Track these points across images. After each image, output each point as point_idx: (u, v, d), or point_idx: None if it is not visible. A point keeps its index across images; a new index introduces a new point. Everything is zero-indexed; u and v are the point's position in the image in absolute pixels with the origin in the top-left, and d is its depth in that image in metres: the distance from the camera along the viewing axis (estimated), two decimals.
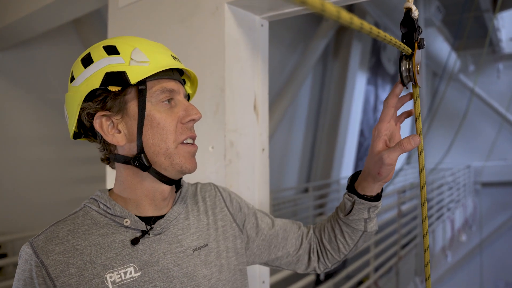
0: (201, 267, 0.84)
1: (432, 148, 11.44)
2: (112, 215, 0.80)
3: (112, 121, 0.79)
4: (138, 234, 0.80)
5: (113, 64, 0.77)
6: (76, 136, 0.85)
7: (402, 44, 0.78)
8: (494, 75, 11.28)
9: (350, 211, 0.96)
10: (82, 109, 0.79)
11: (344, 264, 4.35)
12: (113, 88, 0.76)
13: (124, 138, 0.80)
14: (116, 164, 0.84)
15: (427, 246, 0.89)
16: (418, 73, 0.81)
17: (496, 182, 11.01)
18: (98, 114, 0.78)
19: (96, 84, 0.76)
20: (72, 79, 0.80)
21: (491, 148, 10.80)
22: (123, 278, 0.75)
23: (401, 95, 0.88)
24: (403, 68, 0.82)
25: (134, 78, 0.76)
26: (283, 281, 2.73)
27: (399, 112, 0.91)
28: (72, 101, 0.80)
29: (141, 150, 0.78)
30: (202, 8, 1.44)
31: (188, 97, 0.91)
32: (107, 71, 0.76)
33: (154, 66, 0.78)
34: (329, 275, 4.06)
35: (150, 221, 0.83)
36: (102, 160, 0.86)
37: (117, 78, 0.76)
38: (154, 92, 0.79)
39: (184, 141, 0.82)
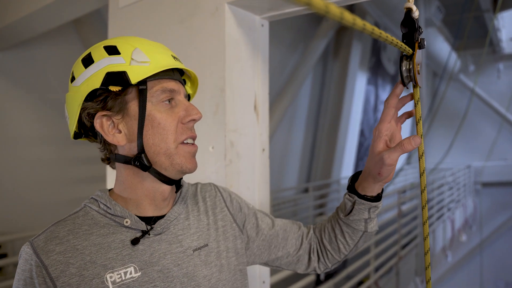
0: (201, 267, 0.84)
1: (432, 148, 11.44)
2: (113, 215, 0.80)
3: (113, 121, 0.79)
4: (138, 234, 0.80)
5: (114, 64, 0.77)
6: (77, 136, 0.85)
7: (402, 44, 0.78)
8: (494, 75, 11.28)
9: (351, 211, 0.96)
10: (83, 109, 0.79)
11: (344, 264, 4.35)
12: (113, 88, 0.76)
13: (125, 138, 0.80)
14: (117, 164, 0.84)
15: (428, 249, 0.88)
16: (419, 73, 0.81)
17: (496, 182, 11.01)
18: (99, 114, 0.78)
19: (97, 84, 0.76)
20: (73, 79, 0.81)
21: (491, 148, 10.81)
22: (123, 278, 0.75)
23: (401, 95, 0.88)
24: (404, 68, 0.82)
25: (134, 78, 0.76)
26: (283, 281, 2.73)
27: (400, 113, 0.91)
28: (72, 101, 0.80)
29: (141, 150, 0.78)
30: (202, 8, 1.44)
31: (188, 97, 0.91)
32: (108, 71, 0.76)
33: (154, 66, 0.78)
34: (329, 275, 4.06)
35: (151, 221, 0.83)
36: (103, 160, 0.86)
37: (117, 78, 0.76)
38: (154, 92, 0.79)
39: (185, 141, 0.82)
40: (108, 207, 0.81)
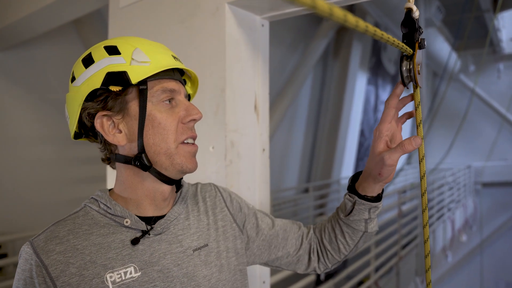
0: (201, 267, 0.84)
1: (433, 148, 11.44)
2: (113, 215, 0.80)
3: (113, 121, 0.79)
4: (139, 234, 0.80)
5: (114, 64, 0.77)
6: (77, 136, 0.85)
7: (403, 44, 0.78)
8: (495, 75, 11.27)
9: (351, 211, 0.96)
10: (83, 109, 0.79)
11: (344, 264, 4.35)
12: (114, 88, 0.76)
13: (125, 138, 0.80)
14: (117, 164, 0.84)
15: (428, 252, 0.88)
16: (419, 73, 0.81)
17: (496, 182, 11.01)
18: (99, 114, 0.78)
19: (97, 84, 0.76)
20: (73, 79, 0.81)
21: (492, 148, 10.80)
22: (123, 278, 0.75)
23: (402, 96, 0.88)
24: (404, 68, 0.82)
25: (135, 78, 0.76)
26: (283, 281, 2.73)
27: (400, 113, 0.91)
28: (73, 101, 0.80)
29: (142, 150, 0.78)
30: (203, 8, 1.44)
31: (188, 97, 0.91)
32: (108, 71, 0.76)
33: (155, 66, 0.78)
34: (329, 275, 4.06)
35: (151, 221, 0.83)
36: (103, 160, 0.86)
37: (118, 78, 0.76)
38: (155, 92, 0.79)
39: (185, 141, 0.82)
40: (108, 207, 0.81)
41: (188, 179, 1.01)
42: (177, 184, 0.87)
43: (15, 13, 2.72)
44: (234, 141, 1.40)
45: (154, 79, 0.79)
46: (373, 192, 0.93)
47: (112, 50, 0.78)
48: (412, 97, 0.87)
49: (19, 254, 0.76)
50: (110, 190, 0.87)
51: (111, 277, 0.74)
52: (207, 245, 0.88)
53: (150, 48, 0.80)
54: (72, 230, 0.77)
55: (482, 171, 11.22)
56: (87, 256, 0.74)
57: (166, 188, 0.84)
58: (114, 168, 0.86)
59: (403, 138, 0.86)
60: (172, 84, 0.81)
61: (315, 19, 6.52)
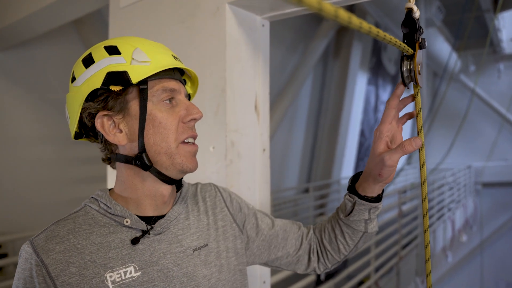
0: (201, 267, 0.84)
1: (433, 149, 11.43)
2: (113, 214, 0.80)
3: (114, 120, 0.79)
4: (139, 234, 0.80)
5: (115, 64, 0.77)
6: (77, 136, 0.85)
7: (403, 44, 0.78)
8: (495, 75, 11.26)
9: (351, 212, 0.96)
10: (84, 109, 0.79)
11: (344, 264, 4.35)
12: (114, 88, 0.76)
13: (126, 137, 0.80)
14: (117, 164, 0.84)
15: (428, 242, 0.89)
16: (419, 73, 0.81)
17: (496, 182, 11.00)
18: (100, 113, 0.78)
19: (98, 84, 0.76)
20: (73, 79, 0.81)
21: (492, 149, 10.79)
22: (123, 278, 0.75)
23: (402, 96, 0.88)
24: (404, 68, 0.82)
25: (135, 77, 0.76)
26: (283, 281, 2.73)
27: (401, 114, 0.91)
28: (73, 101, 0.80)
29: (142, 149, 0.79)
30: (203, 8, 1.44)
31: (188, 97, 0.91)
32: (109, 71, 0.76)
33: (155, 65, 0.78)
34: (329, 275, 4.05)
35: (151, 221, 0.83)
36: (103, 160, 0.86)
37: (118, 77, 0.76)
38: (155, 92, 0.79)
39: (185, 140, 0.82)
40: (108, 206, 0.81)
41: (188, 179, 1.01)
42: (178, 184, 0.87)
43: (15, 13, 2.72)
44: (235, 141, 1.40)
45: (154, 79, 0.79)
46: (373, 192, 0.93)
47: (112, 50, 0.78)
48: (412, 97, 0.87)
49: (19, 253, 0.76)
50: (110, 190, 0.87)
51: (111, 276, 0.74)
52: (207, 245, 0.88)
53: (150, 48, 0.81)
54: (72, 230, 0.77)
55: (482, 171, 11.21)
56: (87, 256, 0.74)
57: (167, 188, 0.84)
58: (114, 168, 0.86)
59: (404, 139, 0.86)
60: (172, 84, 0.81)
61: (316, 19, 6.52)
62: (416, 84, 0.83)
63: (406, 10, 0.80)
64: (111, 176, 1.77)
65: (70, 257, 0.73)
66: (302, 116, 7.16)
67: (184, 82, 0.88)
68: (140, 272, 0.77)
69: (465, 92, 11.16)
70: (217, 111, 1.39)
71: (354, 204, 0.95)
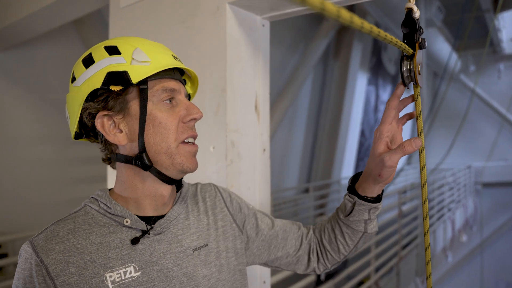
0: (200, 267, 0.84)
1: (433, 149, 11.43)
2: (113, 214, 0.80)
3: (114, 120, 0.79)
4: (138, 234, 0.80)
5: (115, 64, 0.77)
6: (78, 136, 0.85)
7: (403, 44, 0.78)
8: (495, 76, 11.26)
9: (351, 212, 0.96)
10: (84, 109, 0.79)
11: (345, 264, 4.35)
12: (114, 88, 0.76)
13: (126, 137, 0.80)
14: (117, 164, 0.84)
15: (428, 244, 0.89)
16: (419, 74, 0.81)
17: (496, 182, 11.00)
18: (100, 114, 0.78)
19: (98, 84, 0.76)
20: (73, 79, 0.81)
21: (492, 149, 10.79)
22: (123, 278, 0.75)
23: (402, 96, 0.88)
24: (404, 68, 0.82)
25: (135, 77, 0.76)
26: (283, 281, 2.73)
27: (401, 114, 0.91)
28: (73, 101, 0.80)
29: (142, 149, 0.79)
30: (203, 9, 1.44)
31: (188, 97, 0.91)
32: (109, 71, 0.76)
33: (155, 65, 0.78)
34: (330, 276, 4.05)
35: (151, 221, 0.83)
36: (103, 160, 0.87)
37: (118, 77, 0.76)
38: (155, 92, 0.79)
39: (185, 140, 0.82)
40: (108, 206, 0.81)
41: (188, 179, 1.01)
42: (178, 184, 0.87)
43: (15, 13, 2.72)
44: (235, 141, 1.40)
45: (154, 79, 0.79)
46: (373, 192, 0.93)
47: (113, 50, 0.78)
48: (412, 98, 0.87)
49: (19, 253, 0.76)
50: (110, 190, 0.87)
51: (110, 276, 0.74)
52: (206, 245, 0.88)
53: (150, 48, 0.81)
54: (72, 230, 0.77)
55: (482, 171, 11.21)
56: (87, 256, 0.74)
57: (167, 188, 0.84)
58: (114, 168, 0.86)
59: (404, 139, 0.86)
60: (172, 84, 0.81)
61: (316, 19, 6.51)
62: (416, 84, 0.83)
63: (406, 10, 0.80)
64: (111, 176, 1.77)
65: (70, 257, 0.73)
66: (302, 116, 7.16)
67: (184, 82, 0.88)
68: (140, 272, 0.77)
69: (465, 92, 11.16)
70: (217, 111, 1.39)
71: (354, 204, 0.95)
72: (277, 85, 6.02)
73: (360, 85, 7.66)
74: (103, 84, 0.76)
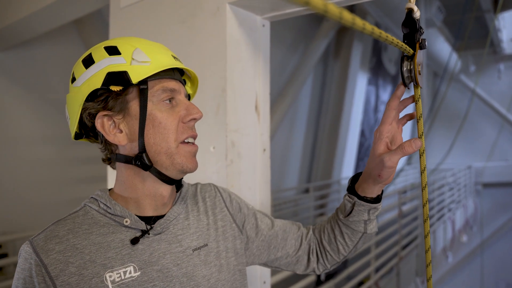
0: (200, 267, 0.84)
1: (433, 149, 11.42)
2: (112, 214, 0.80)
3: (114, 120, 0.79)
4: (138, 234, 0.80)
5: (115, 64, 0.77)
6: (78, 136, 0.85)
7: (403, 44, 0.78)
8: (495, 76, 11.25)
9: (350, 212, 0.96)
10: (84, 109, 0.79)
11: (345, 264, 4.35)
12: (114, 88, 0.76)
13: (126, 137, 0.80)
14: (117, 164, 0.84)
15: (429, 247, 0.88)
16: (420, 74, 0.81)
17: (497, 182, 10.99)
18: (100, 114, 0.78)
19: (98, 84, 0.76)
20: (73, 79, 0.81)
21: (492, 149, 10.78)
22: (123, 278, 0.75)
23: (403, 97, 0.88)
24: (405, 68, 0.82)
25: (135, 77, 0.76)
26: (283, 281, 2.73)
27: (401, 115, 0.91)
28: (73, 101, 0.80)
29: (142, 149, 0.79)
30: (203, 9, 1.44)
31: (188, 97, 0.91)
32: (109, 71, 0.76)
33: (155, 65, 0.78)
34: (330, 276, 4.05)
35: (150, 220, 0.83)
36: (103, 160, 0.87)
37: (118, 78, 0.76)
38: (155, 92, 0.79)
39: (185, 140, 0.82)
40: (108, 206, 0.81)
41: (188, 179, 1.01)
42: (177, 184, 0.87)
43: (16, 13, 2.72)
44: (235, 141, 1.40)
45: (154, 79, 0.79)
46: (372, 193, 0.93)
47: (113, 50, 0.79)
48: (413, 98, 0.87)
49: (19, 253, 0.76)
50: (110, 190, 0.87)
51: (110, 276, 0.74)
52: (206, 245, 0.88)
53: (150, 48, 0.81)
54: (72, 230, 0.77)
55: (482, 171, 11.20)
56: (86, 256, 0.74)
57: (166, 188, 0.84)
58: (114, 168, 0.86)
59: (404, 140, 0.86)
60: (172, 84, 0.81)
61: (316, 19, 6.51)
62: (416, 85, 0.83)
63: (406, 10, 0.80)
64: (111, 176, 1.77)
65: (70, 257, 0.73)
66: (303, 116, 7.16)
67: (184, 82, 0.88)
68: (139, 272, 0.77)
69: (466, 92, 11.15)
70: (218, 111, 1.39)
71: (353, 204, 0.95)
72: (277, 85, 6.02)
73: (360, 85, 7.66)
74: (103, 84, 0.76)
